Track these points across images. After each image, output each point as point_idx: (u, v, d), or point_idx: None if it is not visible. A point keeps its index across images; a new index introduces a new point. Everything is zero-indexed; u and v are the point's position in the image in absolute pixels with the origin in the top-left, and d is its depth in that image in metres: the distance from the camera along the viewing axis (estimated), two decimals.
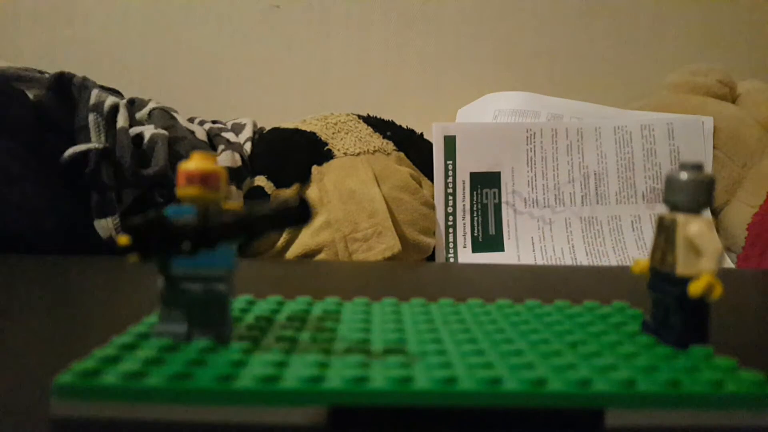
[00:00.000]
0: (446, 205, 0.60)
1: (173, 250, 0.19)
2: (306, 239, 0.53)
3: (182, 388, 0.17)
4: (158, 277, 0.20)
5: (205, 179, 0.20)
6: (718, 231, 0.62)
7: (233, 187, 0.55)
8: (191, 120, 0.62)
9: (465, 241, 0.60)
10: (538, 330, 0.23)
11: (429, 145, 0.61)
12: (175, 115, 0.59)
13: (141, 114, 0.58)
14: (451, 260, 0.59)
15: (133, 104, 0.59)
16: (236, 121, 0.63)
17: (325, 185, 0.55)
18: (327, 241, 0.53)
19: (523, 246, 0.59)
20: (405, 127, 0.63)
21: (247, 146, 0.58)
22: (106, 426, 0.16)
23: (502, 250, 0.59)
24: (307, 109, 0.68)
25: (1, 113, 0.49)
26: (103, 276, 0.41)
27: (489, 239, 0.60)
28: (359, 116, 0.62)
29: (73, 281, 0.40)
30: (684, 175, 0.21)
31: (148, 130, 0.53)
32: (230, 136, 0.59)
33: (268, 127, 0.62)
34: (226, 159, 0.55)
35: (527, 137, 0.62)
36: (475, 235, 0.60)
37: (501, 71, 0.80)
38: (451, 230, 0.60)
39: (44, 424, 0.16)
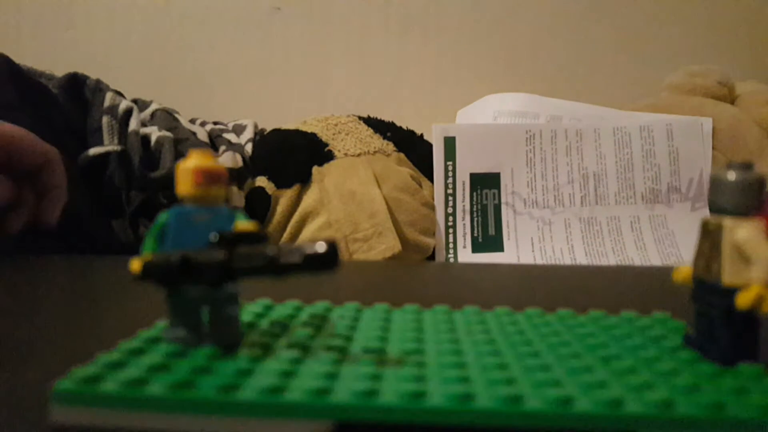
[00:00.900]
0: (446, 205, 0.60)
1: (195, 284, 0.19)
2: (307, 240, 0.54)
3: (183, 397, 0.16)
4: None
5: (207, 176, 0.19)
6: None
7: (234, 188, 0.55)
8: (193, 121, 0.62)
9: (465, 242, 0.60)
10: (569, 342, 0.21)
11: (429, 146, 0.62)
12: (177, 116, 0.59)
13: (144, 115, 0.58)
14: (451, 260, 0.59)
15: (137, 105, 0.59)
16: (237, 122, 0.63)
17: (325, 186, 0.56)
18: None
19: (523, 246, 0.59)
20: (405, 128, 0.63)
21: (248, 147, 0.59)
22: None
23: (502, 250, 0.60)
24: (307, 110, 0.68)
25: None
26: (115, 277, 0.39)
27: (489, 240, 0.60)
28: (360, 117, 0.62)
29: (83, 282, 0.39)
30: (732, 175, 0.19)
31: (154, 133, 0.54)
32: (231, 137, 0.59)
33: (269, 129, 0.62)
34: (227, 160, 0.55)
35: (527, 138, 0.62)
36: (475, 235, 0.60)
37: (500, 73, 0.80)
38: (451, 230, 0.60)
39: (44, 430, 0.16)
